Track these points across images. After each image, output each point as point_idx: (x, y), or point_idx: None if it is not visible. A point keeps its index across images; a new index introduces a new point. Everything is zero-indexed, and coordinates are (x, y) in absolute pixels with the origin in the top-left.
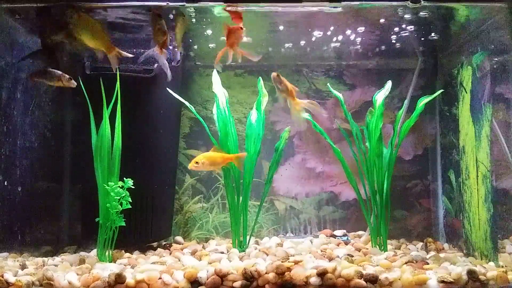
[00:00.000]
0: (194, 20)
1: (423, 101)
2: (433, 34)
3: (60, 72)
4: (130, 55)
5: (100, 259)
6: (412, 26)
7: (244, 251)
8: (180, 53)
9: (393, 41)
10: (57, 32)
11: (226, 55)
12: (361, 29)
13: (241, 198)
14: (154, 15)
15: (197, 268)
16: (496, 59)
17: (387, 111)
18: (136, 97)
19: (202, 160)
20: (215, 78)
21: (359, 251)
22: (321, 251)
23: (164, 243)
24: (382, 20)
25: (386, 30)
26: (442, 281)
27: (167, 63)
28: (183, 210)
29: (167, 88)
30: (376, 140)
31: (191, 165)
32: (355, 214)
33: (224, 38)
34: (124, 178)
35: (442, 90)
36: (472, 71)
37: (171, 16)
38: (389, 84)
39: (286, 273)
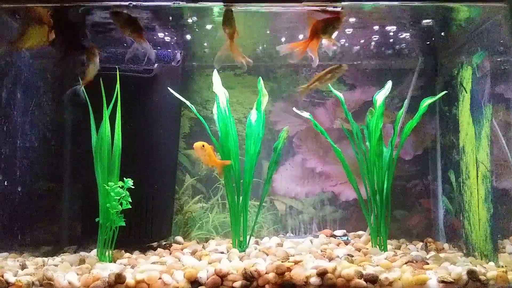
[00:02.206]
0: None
1: (426, 102)
2: (433, 34)
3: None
4: None
5: (100, 259)
6: (412, 26)
7: (244, 251)
8: (180, 53)
9: (393, 41)
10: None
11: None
12: (361, 29)
13: (241, 198)
14: (113, 13)
15: (197, 268)
16: (496, 59)
17: (387, 111)
18: (136, 97)
19: (207, 148)
20: (216, 78)
21: (359, 251)
22: (321, 251)
23: (164, 243)
24: (381, 20)
25: (386, 30)
26: (442, 281)
27: (152, 51)
28: (183, 210)
29: (169, 88)
30: (376, 140)
31: (197, 145)
32: (355, 214)
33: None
34: (124, 178)
35: (446, 92)
36: (472, 71)
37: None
38: (389, 84)
39: (286, 273)
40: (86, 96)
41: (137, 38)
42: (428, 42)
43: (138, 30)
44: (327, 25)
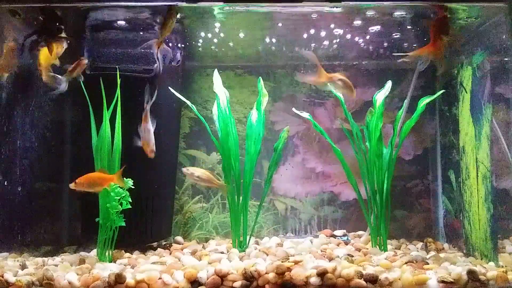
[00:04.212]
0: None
1: (424, 101)
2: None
3: None
4: None
5: (100, 259)
6: (412, 26)
7: (244, 251)
8: (180, 53)
9: (393, 41)
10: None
11: None
12: (360, 28)
13: (241, 198)
14: (172, 11)
15: (197, 268)
16: (496, 59)
17: (387, 111)
18: (136, 97)
19: (81, 180)
20: (216, 78)
21: (359, 251)
22: (321, 251)
23: (164, 243)
24: (381, 20)
25: (386, 30)
26: (442, 281)
27: (160, 58)
28: (183, 210)
29: (169, 88)
30: (376, 140)
31: (72, 185)
32: (355, 214)
33: None
34: (124, 178)
35: (443, 91)
36: (472, 71)
37: None
38: (389, 84)
39: (286, 273)
40: (87, 96)
41: (160, 44)
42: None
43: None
44: (444, 23)
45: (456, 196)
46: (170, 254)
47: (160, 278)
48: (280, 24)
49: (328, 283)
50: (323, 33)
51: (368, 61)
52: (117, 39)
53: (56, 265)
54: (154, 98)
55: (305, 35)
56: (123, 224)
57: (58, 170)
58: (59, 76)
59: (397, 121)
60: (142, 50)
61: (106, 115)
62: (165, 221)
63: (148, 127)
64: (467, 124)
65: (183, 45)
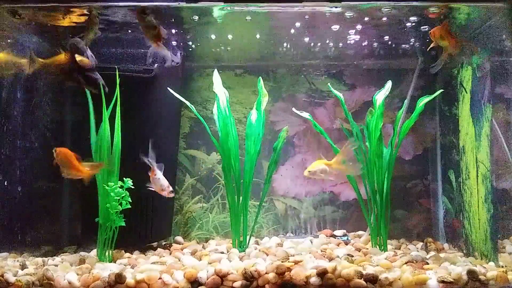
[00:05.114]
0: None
1: (423, 101)
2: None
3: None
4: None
5: (100, 259)
6: (412, 26)
7: (244, 251)
8: (180, 53)
9: (393, 41)
10: None
11: None
12: (361, 29)
13: (241, 198)
14: (139, 12)
15: (197, 268)
16: (496, 59)
17: (387, 111)
18: (136, 97)
19: (60, 151)
20: (216, 78)
21: (359, 251)
22: (321, 251)
23: (164, 243)
24: (382, 20)
25: (386, 30)
26: (442, 281)
27: (168, 54)
28: (183, 210)
29: (169, 88)
30: (376, 140)
31: (54, 151)
32: (355, 214)
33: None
34: (124, 178)
35: (442, 90)
36: (472, 71)
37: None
38: (389, 84)
39: (286, 273)
40: (88, 96)
41: (154, 43)
42: (428, 42)
43: (157, 36)
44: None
45: (456, 196)
46: (170, 254)
47: (160, 278)
48: (280, 24)
49: (328, 283)
50: (323, 33)
51: (368, 61)
52: (117, 38)
53: (56, 265)
54: (154, 156)
55: (304, 34)
56: (123, 224)
57: (58, 170)
58: (75, 39)
59: (397, 121)
60: (142, 50)
61: (106, 115)
62: (165, 221)
63: (158, 177)
64: (467, 124)
65: (183, 45)
